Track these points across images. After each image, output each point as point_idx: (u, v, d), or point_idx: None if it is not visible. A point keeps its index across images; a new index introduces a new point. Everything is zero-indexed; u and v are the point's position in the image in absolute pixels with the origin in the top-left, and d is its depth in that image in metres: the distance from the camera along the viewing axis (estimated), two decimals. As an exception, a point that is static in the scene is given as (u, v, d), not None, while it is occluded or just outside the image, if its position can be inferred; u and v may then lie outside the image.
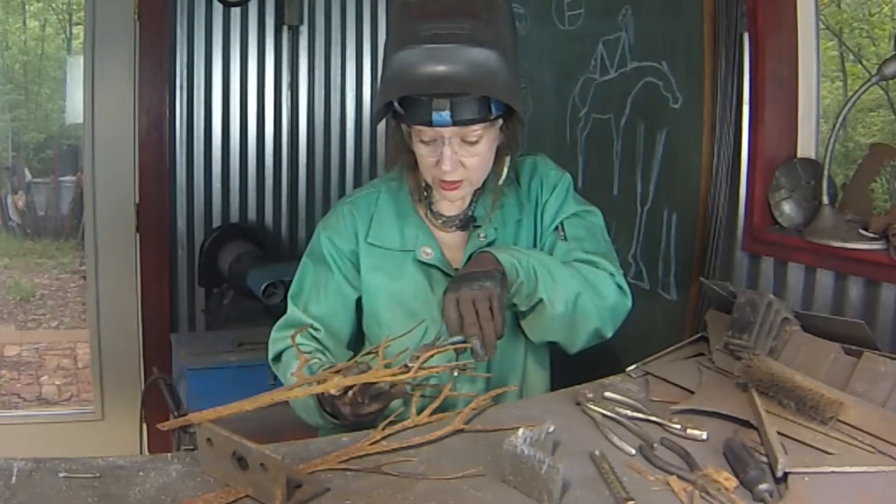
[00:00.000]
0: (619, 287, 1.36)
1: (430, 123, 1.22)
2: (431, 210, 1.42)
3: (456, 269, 1.40)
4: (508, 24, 1.25)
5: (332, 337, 1.42)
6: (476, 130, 1.25)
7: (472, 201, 1.42)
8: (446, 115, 1.20)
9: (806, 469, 1.02)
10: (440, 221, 1.42)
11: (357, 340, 1.48)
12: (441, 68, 1.16)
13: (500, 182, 1.39)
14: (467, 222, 1.41)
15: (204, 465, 1.00)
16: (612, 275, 1.36)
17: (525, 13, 2.62)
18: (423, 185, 1.40)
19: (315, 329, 1.41)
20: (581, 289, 1.29)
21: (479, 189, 1.40)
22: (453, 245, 1.42)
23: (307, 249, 1.47)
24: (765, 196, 1.84)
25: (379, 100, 1.25)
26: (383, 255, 1.41)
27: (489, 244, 1.39)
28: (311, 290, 1.44)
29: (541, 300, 1.26)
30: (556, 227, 1.41)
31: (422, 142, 1.29)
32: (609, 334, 1.36)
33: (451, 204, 1.41)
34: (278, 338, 1.42)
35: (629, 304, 1.38)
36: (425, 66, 1.17)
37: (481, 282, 1.17)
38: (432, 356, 1.15)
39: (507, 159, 1.38)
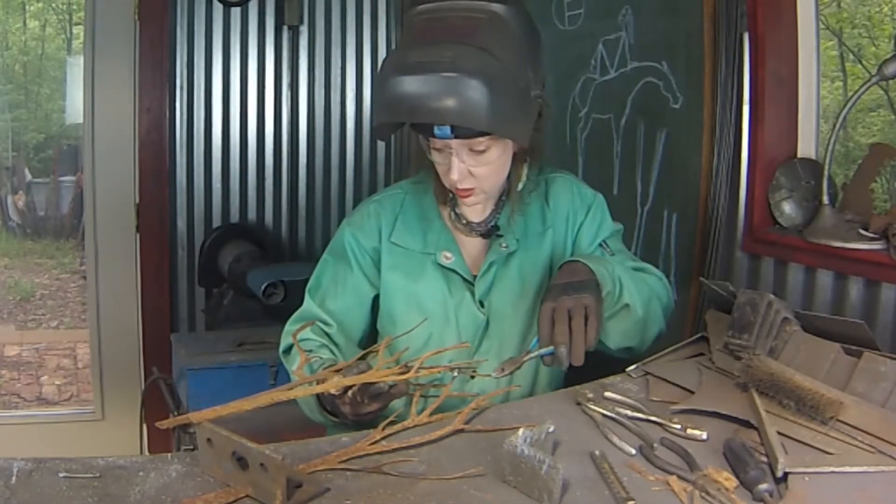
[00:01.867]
0: (667, 289, 1.44)
1: (433, 135, 1.24)
2: (455, 213, 1.43)
3: (475, 276, 1.40)
4: (514, 43, 1.22)
5: (343, 333, 1.43)
6: (482, 141, 1.25)
7: (496, 209, 1.42)
8: (447, 128, 1.21)
9: (806, 469, 1.02)
10: (463, 224, 1.42)
11: (370, 339, 1.48)
12: (419, 100, 1.18)
13: (520, 188, 1.40)
14: (490, 230, 1.42)
15: (204, 465, 1.00)
16: (660, 278, 1.43)
17: (525, 13, 2.62)
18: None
19: (327, 325, 1.42)
20: (650, 294, 1.35)
21: (504, 198, 1.41)
22: (474, 251, 1.43)
23: (329, 246, 1.48)
24: (765, 196, 1.84)
25: (374, 119, 1.30)
26: (404, 255, 1.42)
27: (510, 255, 1.40)
28: (329, 284, 1.45)
29: (626, 306, 1.29)
30: (601, 245, 1.45)
31: (434, 150, 1.30)
32: (663, 333, 1.43)
33: (474, 210, 1.42)
34: (290, 331, 1.43)
35: (674, 303, 1.48)
36: (405, 95, 1.19)
37: (579, 292, 1.18)
38: (518, 364, 1.19)
39: (525, 165, 1.39)
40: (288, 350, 1.43)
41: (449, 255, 1.40)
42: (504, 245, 1.40)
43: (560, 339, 1.15)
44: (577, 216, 1.45)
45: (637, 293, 1.31)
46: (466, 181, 1.29)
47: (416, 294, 1.41)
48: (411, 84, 1.18)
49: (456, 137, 1.23)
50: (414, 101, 1.18)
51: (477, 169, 1.29)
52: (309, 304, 1.45)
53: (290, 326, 1.45)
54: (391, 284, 1.43)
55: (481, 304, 1.40)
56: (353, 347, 1.43)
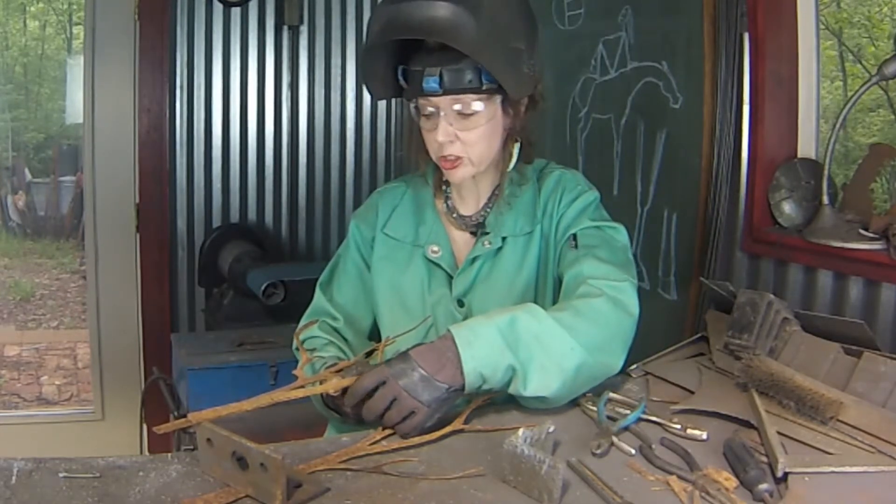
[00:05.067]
0: (625, 309, 1.21)
1: (422, 92, 1.25)
2: (448, 205, 1.43)
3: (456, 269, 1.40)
4: (505, 7, 1.25)
5: (351, 327, 1.43)
6: (470, 102, 1.26)
7: (487, 203, 1.41)
8: (434, 81, 1.23)
9: (806, 469, 1.02)
10: (454, 216, 1.42)
11: (378, 332, 1.48)
12: (408, 17, 1.20)
13: (510, 168, 1.38)
14: (478, 226, 1.40)
15: (204, 465, 1.00)
16: (612, 299, 1.20)
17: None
18: (444, 178, 1.42)
19: (335, 319, 1.43)
20: (584, 356, 1.14)
21: (496, 196, 1.40)
22: (463, 246, 1.42)
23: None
24: (765, 196, 1.84)
25: (364, 54, 1.30)
26: (395, 246, 1.42)
27: (495, 254, 1.37)
28: (337, 278, 1.47)
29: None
30: (569, 238, 1.34)
31: (424, 116, 1.31)
32: (620, 368, 1.23)
33: (466, 203, 1.42)
34: (307, 322, 1.44)
35: (634, 320, 1.23)
36: (396, 16, 1.21)
37: (420, 392, 1.07)
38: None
39: (517, 145, 1.37)
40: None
41: (436, 248, 1.39)
42: (488, 243, 1.37)
43: (369, 418, 1.10)
44: (559, 209, 1.38)
45: (555, 370, 1.12)
46: (453, 147, 1.29)
47: (400, 287, 1.41)
48: (402, 7, 1.21)
49: (444, 93, 1.24)
50: (403, 19, 1.20)
51: (464, 134, 1.28)
52: (318, 299, 1.47)
53: (302, 323, 1.46)
54: (378, 276, 1.43)
55: (460, 303, 1.38)
56: (361, 341, 1.44)
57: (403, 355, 1.11)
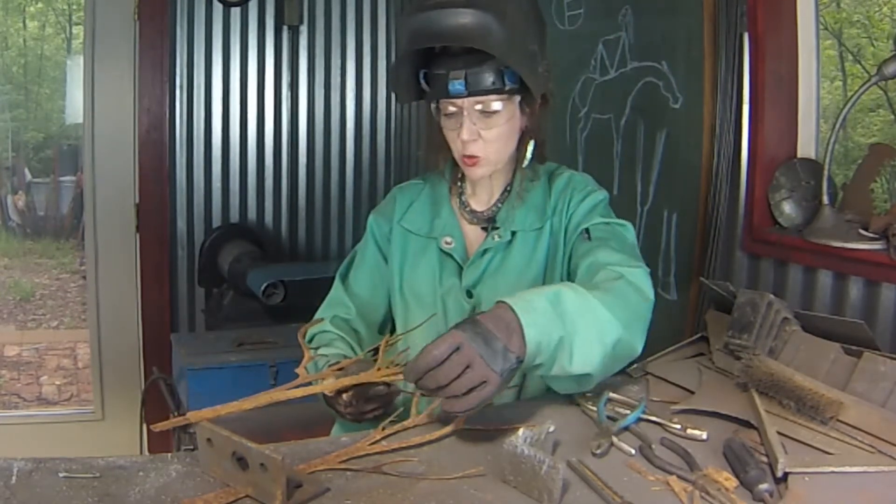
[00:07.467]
0: (642, 294, 1.22)
1: (448, 94, 1.29)
2: (461, 201, 1.47)
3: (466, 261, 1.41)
4: (521, 10, 1.30)
5: (364, 318, 1.47)
6: (493, 102, 1.30)
7: (499, 200, 1.44)
8: (460, 84, 1.27)
9: (806, 469, 1.02)
10: (467, 211, 1.46)
11: (392, 324, 1.52)
12: (438, 26, 1.24)
13: (525, 165, 1.41)
14: (489, 221, 1.44)
15: (204, 465, 1.00)
16: (637, 289, 1.21)
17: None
18: (460, 176, 1.47)
19: (348, 310, 1.46)
20: (620, 330, 1.12)
21: (509, 188, 1.43)
22: (475, 240, 1.45)
23: None
24: (765, 196, 1.84)
25: (395, 63, 1.36)
26: (410, 238, 1.47)
27: (505, 247, 1.40)
28: (355, 268, 1.51)
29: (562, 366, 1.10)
30: (581, 233, 1.36)
31: (446, 116, 1.35)
32: (640, 352, 1.21)
33: (479, 199, 1.45)
34: (316, 319, 1.47)
35: (650, 304, 1.23)
36: (425, 24, 1.26)
37: (495, 361, 0.98)
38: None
39: (532, 143, 1.40)
40: (311, 339, 1.46)
41: (450, 240, 1.43)
42: (497, 236, 1.41)
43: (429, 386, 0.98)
44: (570, 208, 1.40)
45: (597, 344, 1.10)
46: (475, 145, 1.33)
47: (413, 277, 1.44)
48: (431, 15, 1.25)
49: (469, 95, 1.28)
50: (434, 27, 1.25)
51: (486, 132, 1.32)
52: (336, 289, 1.51)
53: (319, 314, 1.49)
54: (393, 266, 1.47)
55: (469, 294, 1.40)
56: (373, 334, 1.48)
57: (473, 321, 1.01)
